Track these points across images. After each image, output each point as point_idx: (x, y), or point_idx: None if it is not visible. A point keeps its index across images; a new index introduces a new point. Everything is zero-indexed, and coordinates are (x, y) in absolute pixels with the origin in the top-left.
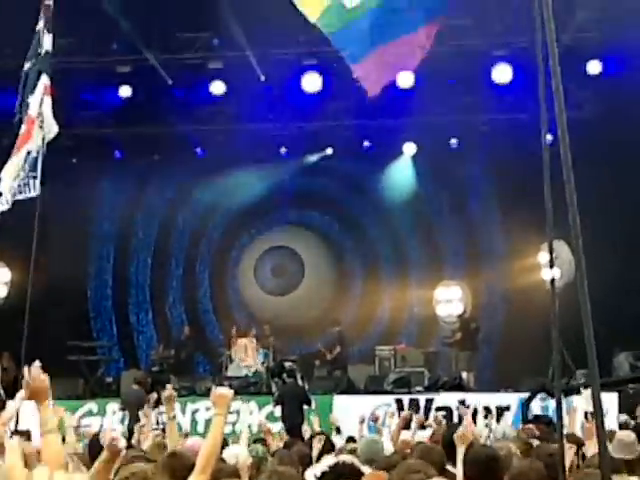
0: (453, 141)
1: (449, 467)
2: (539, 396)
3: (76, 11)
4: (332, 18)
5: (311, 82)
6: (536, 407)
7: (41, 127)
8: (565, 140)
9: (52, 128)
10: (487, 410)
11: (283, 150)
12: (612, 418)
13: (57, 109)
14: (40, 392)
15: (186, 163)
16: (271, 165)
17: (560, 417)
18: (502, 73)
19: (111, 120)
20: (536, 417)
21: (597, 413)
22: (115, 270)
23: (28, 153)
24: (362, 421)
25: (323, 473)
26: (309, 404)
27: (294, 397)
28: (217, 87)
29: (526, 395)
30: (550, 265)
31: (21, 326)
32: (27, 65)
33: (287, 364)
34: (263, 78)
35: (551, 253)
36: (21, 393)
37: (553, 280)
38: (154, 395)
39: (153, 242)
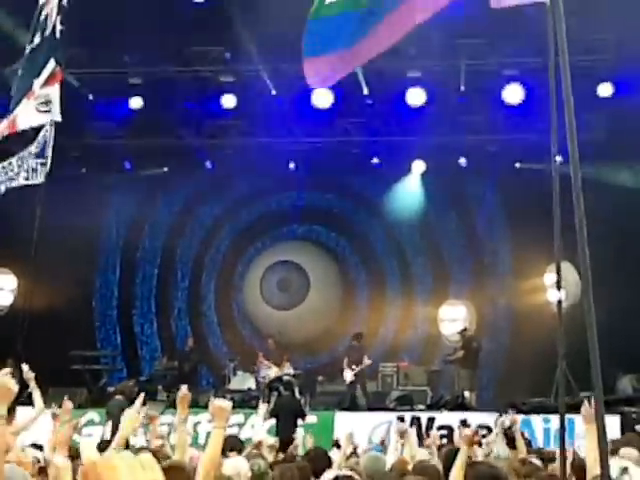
0: (462, 160)
1: None
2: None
3: (89, 22)
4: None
5: (322, 98)
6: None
7: (46, 111)
8: (576, 165)
9: (56, 114)
10: (488, 430)
11: (292, 165)
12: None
13: (68, 119)
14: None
15: (195, 176)
16: (280, 179)
17: (562, 437)
18: (513, 93)
19: (121, 131)
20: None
21: (600, 434)
22: (121, 280)
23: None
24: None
25: None
26: (303, 418)
27: (289, 410)
28: (228, 101)
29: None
30: (557, 286)
31: (27, 333)
32: (30, 45)
33: (285, 377)
34: (274, 93)
35: (559, 273)
36: (38, 405)
37: (560, 302)
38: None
39: (160, 253)
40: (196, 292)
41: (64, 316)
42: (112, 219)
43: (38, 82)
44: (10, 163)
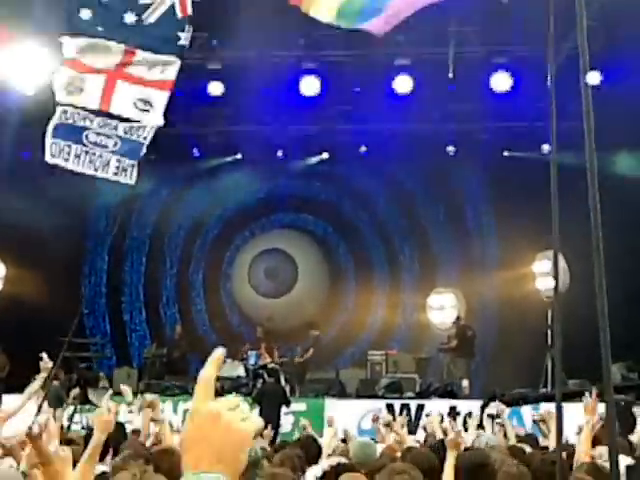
0: (450, 148)
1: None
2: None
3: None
4: (348, 13)
5: (309, 85)
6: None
7: (144, 110)
8: (592, 153)
9: (158, 118)
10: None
11: (280, 153)
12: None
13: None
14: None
15: (182, 163)
16: (267, 168)
17: (560, 424)
18: (501, 81)
19: None
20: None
21: (609, 424)
22: (109, 268)
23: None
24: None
25: (324, 473)
26: (287, 405)
27: (273, 397)
28: (215, 88)
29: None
30: (555, 276)
31: (15, 320)
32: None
33: (270, 365)
34: (261, 80)
35: (555, 261)
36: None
37: (556, 289)
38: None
39: (148, 241)
40: (184, 280)
41: (52, 303)
42: (100, 206)
43: (146, 63)
44: (85, 145)
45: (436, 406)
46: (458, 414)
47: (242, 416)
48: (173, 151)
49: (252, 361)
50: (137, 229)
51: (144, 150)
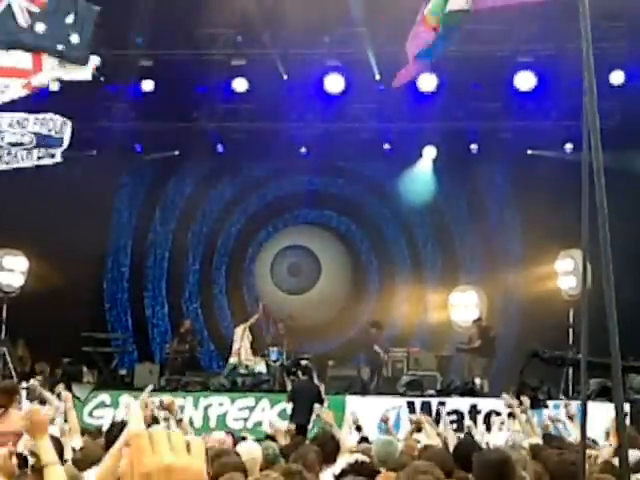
0: (473, 146)
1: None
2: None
3: (99, 3)
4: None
5: (333, 83)
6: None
7: None
8: (598, 152)
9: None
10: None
11: (303, 150)
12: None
13: (79, 101)
14: (39, 426)
15: (206, 159)
16: (291, 164)
17: (584, 424)
18: (525, 80)
19: (132, 113)
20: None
21: (619, 418)
22: (132, 263)
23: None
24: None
25: (342, 471)
26: (321, 403)
27: (307, 395)
28: (240, 84)
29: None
30: (583, 278)
31: (36, 314)
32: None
33: (303, 361)
34: (286, 77)
35: (585, 263)
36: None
37: (584, 288)
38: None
39: (171, 236)
40: (207, 276)
41: (75, 298)
42: (123, 202)
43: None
44: (2, 147)
45: (457, 404)
46: (479, 413)
47: (185, 450)
48: (197, 147)
49: (274, 357)
50: (161, 224)
51: (64, 142)
